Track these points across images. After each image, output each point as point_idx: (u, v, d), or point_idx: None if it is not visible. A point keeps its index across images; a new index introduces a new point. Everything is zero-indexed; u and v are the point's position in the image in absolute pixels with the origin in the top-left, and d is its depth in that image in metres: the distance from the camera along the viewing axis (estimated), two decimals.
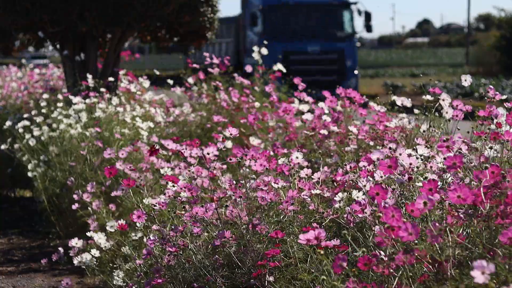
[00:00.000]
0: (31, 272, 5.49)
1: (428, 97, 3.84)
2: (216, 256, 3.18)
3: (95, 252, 3.86)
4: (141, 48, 41.92)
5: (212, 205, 3.29)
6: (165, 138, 6.06)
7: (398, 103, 4.19)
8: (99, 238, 3.93)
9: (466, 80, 3.74)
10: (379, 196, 2.78)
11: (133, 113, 6.73)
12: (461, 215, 2.65)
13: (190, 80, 7.44)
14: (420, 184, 3.00)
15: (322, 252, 2.54)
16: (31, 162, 6.22)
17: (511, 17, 32.60)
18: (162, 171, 3.95)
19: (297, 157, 3.57)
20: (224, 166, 4.36)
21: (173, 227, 3.37)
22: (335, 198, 3.18)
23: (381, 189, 2.79)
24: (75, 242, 3.93)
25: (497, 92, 3.65)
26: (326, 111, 4.92)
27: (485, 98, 3.65)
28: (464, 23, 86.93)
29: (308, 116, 4.88)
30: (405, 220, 2.52)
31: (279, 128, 5.32)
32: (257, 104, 6.30)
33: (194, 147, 3.93)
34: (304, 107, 5.39)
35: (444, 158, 3.15)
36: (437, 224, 2.53)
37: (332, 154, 4.42)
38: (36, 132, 6.34)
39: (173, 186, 3.50)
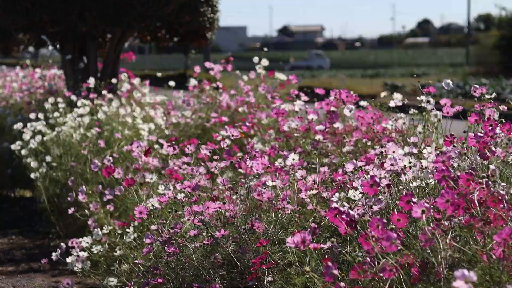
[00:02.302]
0: (31, 272, 5.50)
1: (423, 97, 3.86)
2: (215, 255, 3.19)
3: (83, 254, 3.87)
4: (141, 48, 41.95)
5: (211, 204, 3.30)
6: (165, 138, 6.08)
7: (392, 104, 4.19)
8: (86, 242, 3.94)
9: (449, 84, 3.78)
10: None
11: (134, 114, 6.74)
12: (446, 222, 2.66)
13: (192, 82, 7.44)
14: (415, 184, 3.02)
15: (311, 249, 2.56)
16: (34, 163, 6.23)
17: (511, 16, 32.62)
18: (148, 179, 3.95)
19: (293, 159, 3.57)
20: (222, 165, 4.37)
21: (172, 226, 3.38)
22: (332, 198, 3.19)
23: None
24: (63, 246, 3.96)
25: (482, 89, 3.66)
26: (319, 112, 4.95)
27: (479, 98, 3.67)
28: (464, 23, 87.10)
29: (293, 124, 4.91)
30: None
31: (274, 128, 5.34)
32: (241, 109, 6.30)
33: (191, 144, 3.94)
34: (294, 106, 5.40)
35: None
36: (428, 228, 2.54)
37: (329, 154, 4.43)
38: (37, 134, 6.36)
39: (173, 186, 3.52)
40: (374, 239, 2.51)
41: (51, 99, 6.89)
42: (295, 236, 2.67)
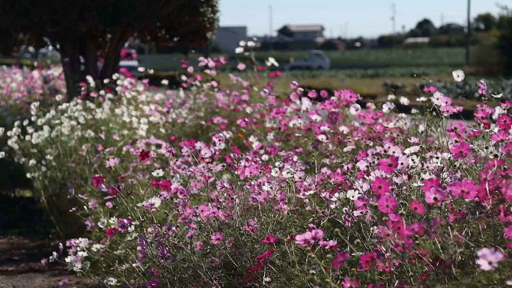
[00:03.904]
0: (31, 272, 5.50)
1: (422, 98, 3.85)
2: (212, 257, 3.18)
3: (82, 253, 3.87)
4: (141, 48, 41.96)
5: (206, 208, 3.29)
6: (163, 138, 6.06)
7: (385, 110, 4.16)
8: (82, 242, 3.95)
9: (459, 76, 3.73)
10: (381, 189, 2.78)
11: (132, 113, 6.73)
12: (464, 212, 2.66)
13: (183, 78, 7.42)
14: (416, 184, 3.01)
15: (313, 255, 2.54)
16: (31, 163, 6.22)
17: None
18: (154, 174, 3.92)
19: (288, 172, 3.56)
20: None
21: (167, 228, 3.37)
22: (331, 199, 3.19)
23: (384, 182, 2.79)
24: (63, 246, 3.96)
25: (484, 89, 3.64)
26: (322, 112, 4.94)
27: (483, 97, 3.66)
28: (464, 23, 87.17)
29: (296, 122, 4.90)
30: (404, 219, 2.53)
31: (274, 128, 5.32)
32: (249, 109, 6.27)
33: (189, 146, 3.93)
34: (293, 107, 5.39)
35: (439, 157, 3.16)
36: (439, 219, 2.53)
37: (329, 154, 4.43)
38: (35, 134, 6.35)
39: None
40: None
41: (51, 103, 6.87)
42: (306, 233, 2.65)
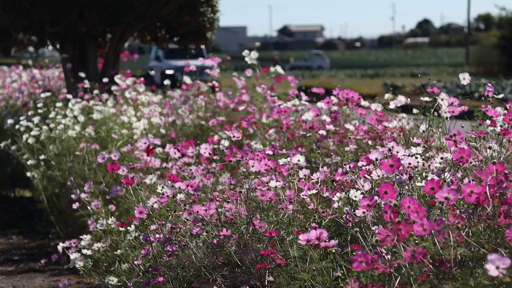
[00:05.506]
0: (31, 272, 5.49)
1: (426, 98, 3.84)
2: (216, 255, 3.18)
3: (86, 251, 3.86)
4: (141, 48, 41.95)
5: (212, 205, 3.29)
6: (162, 138, 6.05)
7: (392, 106, 4.17)
8: (87, 240, 3.94)
9: (465, 79, 3.72)
10: (387, 195, 2.76)
11: (131, 113, 6.72)
12: (463, 215, 2.65)
13: (188, 80, 7.38)
14: (420, 184, 3.00)
15: (316, 255, 2.54)
16: (30, 162, 6.21)
17: (511, 16, 32.66)
18: (147, 181, 3.91)
19: (298, 160, 3.56)
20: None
21: (172, 225, 3.36)
22: (333, 198, 3.18)
23: (390, 187, 2.77)
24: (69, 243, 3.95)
25: (493, 91, 3.63)
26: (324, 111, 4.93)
27: (483, 98, 3.65)
28: (464, 23, 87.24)
29: (308, 116, 4.88)
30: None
31: (275, 127, 5.31)
32: (241, 108, 6.24)
33: (189, 147, 3.92)
34: (292, 106, 5.38)
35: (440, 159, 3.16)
36: (443, 219, 2.53)
37: (331, 154, 4.42)
38: (34, 132, 6.34)
39: (172, 186, 3.50)
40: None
41: (45, 97, 6.86)
42: (310, 232, 2.64)
